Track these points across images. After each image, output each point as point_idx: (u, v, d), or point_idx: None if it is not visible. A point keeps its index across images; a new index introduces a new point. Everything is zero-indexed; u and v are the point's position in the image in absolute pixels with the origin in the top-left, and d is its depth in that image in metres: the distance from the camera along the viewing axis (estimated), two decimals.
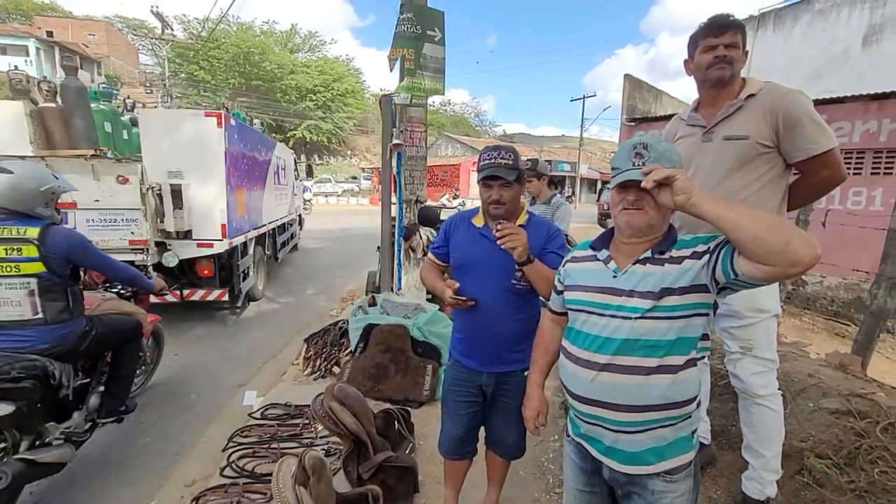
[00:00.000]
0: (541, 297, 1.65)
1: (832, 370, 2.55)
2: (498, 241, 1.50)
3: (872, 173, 6.53)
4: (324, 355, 3.79)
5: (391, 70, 4.19)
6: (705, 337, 1.16)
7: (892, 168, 6.39)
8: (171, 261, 4.44)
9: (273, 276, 7.70)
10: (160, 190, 4.32)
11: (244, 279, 5.25)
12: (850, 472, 1.78)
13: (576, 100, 34.06)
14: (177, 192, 4.36)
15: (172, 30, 25.36)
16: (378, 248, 4.54)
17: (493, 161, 1.61)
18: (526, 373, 1.60)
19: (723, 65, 1.65)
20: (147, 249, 4.28)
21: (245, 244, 5.30)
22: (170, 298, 4.63)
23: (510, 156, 1.62)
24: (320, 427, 2.65)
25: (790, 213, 1.87)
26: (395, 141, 4.05)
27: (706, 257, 1.09)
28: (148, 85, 27.98)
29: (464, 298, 1.64)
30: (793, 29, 12.58)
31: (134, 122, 5.51)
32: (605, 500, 1.28)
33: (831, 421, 2.05)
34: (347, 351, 3.72)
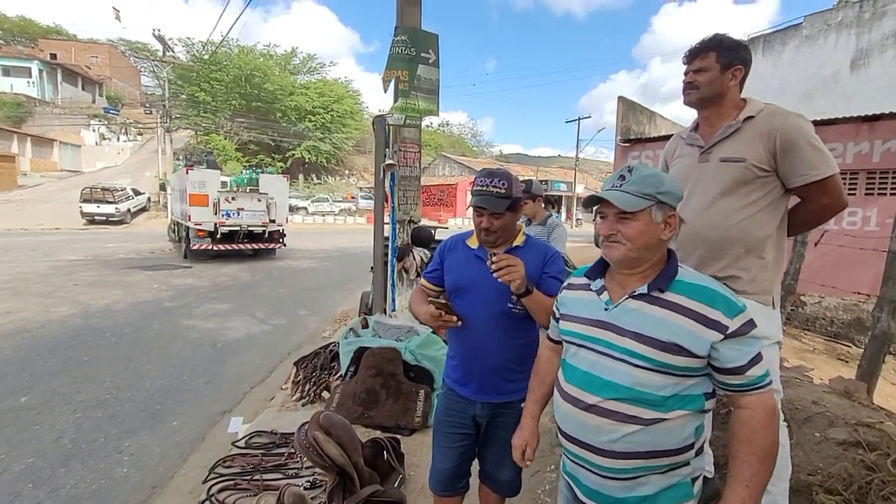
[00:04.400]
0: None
1: (837, 397, 2.47)
2: (494, 275, 1.43)
3: (867, 194, 6.56)
4: (313, 379, 3.67)
5: (385, 91, 4.21)
6: (711, 395, 1.08)
7: (885, 188, 6.42)
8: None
9: (265, 296, 7.68)
10: (269, 203, 11.47)
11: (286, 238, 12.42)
12: None
13: (571, 121, 34.75)
14: (273, 205, 11.58)
15: (174, 52, 25.78)
16: (372, 268, 4.48)
17: (484, 188, 1.55)
18: (523, 404, 1.52)
19: (689, 90, 1.71)
20: (264, 226, 11.42)
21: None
22: (261, 247, 11.70)
23: (503, 184, 1.55)
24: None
25: (789, 237, 1.82)
26: (389, 161, 4.03)
27: (710, 358, 1.03)
28: (148, 105, 28.23)
29: (443, 302, 1.56)
30: (782, 53, 12.87)
31: (211, 165, 13.32)
32: None
33: (839, 452, 1.96)
34: (338, 375, 3.61)
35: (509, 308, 1.57)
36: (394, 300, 4.32)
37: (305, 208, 30.39)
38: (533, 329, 1.66)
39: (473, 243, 1.69)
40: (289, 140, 36.29)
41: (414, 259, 4.34)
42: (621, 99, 9.88)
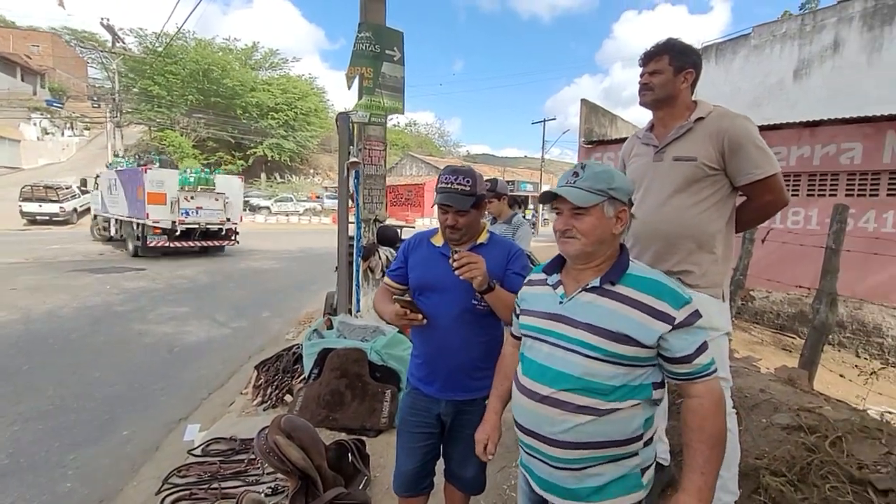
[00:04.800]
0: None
1: (782, 385, 2.62)
2: (456, 272, 1.44)
3: (808, 195, 7.01)
4: (276, 383, 3.57)
5: (349, 88, 4.14)
6: (659, 385, 1.12)
7: (825, 189, 6.88)
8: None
9: (225, 298, 7.42)
10: (226, 202, 11.94)
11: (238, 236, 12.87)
12: (803, 488, 1.80)
13: (537, 123, 35.33)
14: (229, 205, 12.04)
15: (124, 43, 24.47)
16: (337, 268, 4.40)
17: (449, 186, 1.56)
18: (488, 400, 1.53)
19: (644, 92, 1.78)
20: (222, 224, 11.93)
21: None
22: (216, 244, 12.25)
23: (468, 181, 1.56)
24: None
25: (737, 234, 1.91)
26: (353, 159, 3.97)
27: (660, 349, 1.06)
28: (96, 99, 26.61)
29: (408, 300, 1.55)
30: (732, 62, 13.57)
31: (164, 164, 12.92)
32: None
33: (783, 436, 2.08)
34: (301, 377, 3.53)
35: (473, 305, 1.57)
36: (359, 300, 4.26)
37: (268, 208, 29.53)
38: (497, 327, 1.67)
39: (438, 241, 1.68)
40: (250, 137, 35.13)
41: (380, 258, 4.30)
42: (584, 102, 10.13)
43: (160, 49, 28.46)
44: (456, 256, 1.44)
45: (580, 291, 1.13)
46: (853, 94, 10.74)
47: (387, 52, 4.20)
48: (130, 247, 11.81)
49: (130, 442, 3.07)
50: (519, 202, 4.29)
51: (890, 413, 2.54)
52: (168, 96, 32.41)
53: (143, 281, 8.51)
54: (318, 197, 33.58)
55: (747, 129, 1.64)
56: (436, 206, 1.61)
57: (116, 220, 12.90)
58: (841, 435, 1.96)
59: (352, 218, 4.31)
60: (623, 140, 2.09)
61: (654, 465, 1.16)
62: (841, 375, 3.29)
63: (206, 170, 12.97)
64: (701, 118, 1.68)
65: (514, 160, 75.76)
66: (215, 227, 11.92)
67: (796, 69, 12.29)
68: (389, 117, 4.50)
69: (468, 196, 1.55)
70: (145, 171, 11.03)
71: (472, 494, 1.79)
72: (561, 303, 1.15)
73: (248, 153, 35.50)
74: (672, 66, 1.70)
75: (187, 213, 11.25)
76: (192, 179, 11.53)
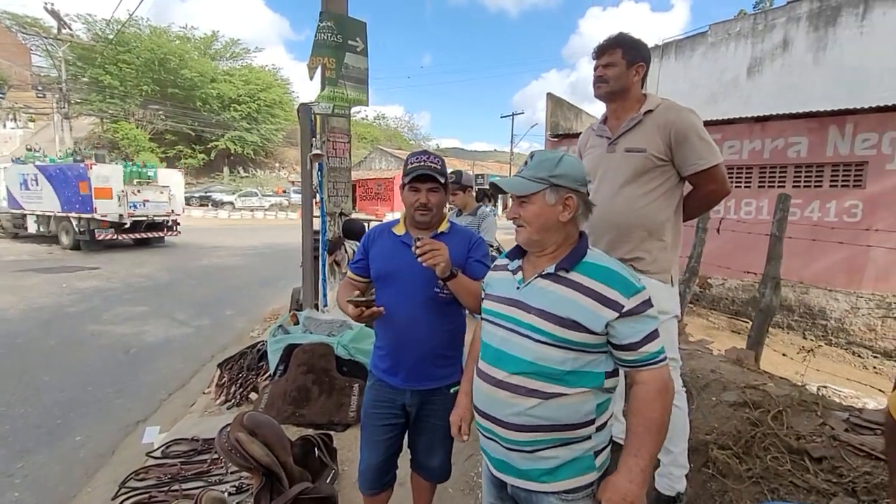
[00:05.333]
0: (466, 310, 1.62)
1: (730, 365, 2.77)
2: (419, 259, 1.44)
3: (759, 186, 7.37)
4: (240, 381, 3.49)
5: (311, 79, 4.05)
6: (612, 374, 1.14)
7: (774, 181, 7.25)
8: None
9: (186, 296, 7.19)
10: (170, 195, 12.74)
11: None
12: (747, 460, 1.92)
13: (505, 117, 35.52)
14: (172, 197, 12.83)
15: (71, 29, 22.98)
16: (302, 263, 4.33)
17: (422, 163, 1.58)
18: (453, 390, 1.56)
19: (599, 84, 1.82)
20: (167, 216, 12.72)
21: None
22: (160, 234, 12.84)
23: (437, 160, 1.60)
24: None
25: (688, 222, 2.00)
26: (315, 151, 3.90)
27: (608, 335, 1.07)
28: (41, 88, 24.98)
29: (362, 300, 1.53)
30: (691, 59, 14.05)
31: (99, 160, 12.48)
32: None
33: (731, 413, 2.21)
34: (266, 375, 3.46)
35: (436, 293, 1.58)
36: (325, 295, 4.20)
37: (232, 203, 28.55)
38: (460, 315, 1.69)
39: (400, 230, 1.68)
40: (211, 130, 33.81)
41: (346, 252, 4.25)
42: (550, 96, 10.27)
43: (111, 36, 26.94)
44: (419, 244, 1.44)
45: (536, 277, 1.15)
46: (801, 91, 11.33)
47: (349, 42, 4.13)
48: (66, 241, 11.92)
49: (84, 447, 2.94)
50: (489, 195, 4.33)
51: (826, 388, 2.74)
52: (121, 87, 30.73)
53: (97, 280, 8.11)
54: (284, 191, 32.69)
55: (692, 121, 1.71)
56: (406, 189, 1.61)
57: (39, 216, 12.57)
58: (782, 409, 2.10)
59: (317, 212, 4.24)
60: None
61: (609, 446, 1.18)
62: (784, 354, 3.51)
63: (136, 163, 12.98)
64: (650, 111, 1.74)
65: (484, 154, 76.09)
66: (161, 219, 12.64)
67: (750, 66, 12.85)
68: (357, 110, 4.44)
69: (440, 174, 1.58)
70: (90, 168, 11.21)
71: (438, 483, 1.82)
72: (518, 288, 1.17)
73: (209, 146, 34.21)
74: (625, 59, 1.75)
75: (135, 207, 11.89)
76: (124, 173, 11.77)
